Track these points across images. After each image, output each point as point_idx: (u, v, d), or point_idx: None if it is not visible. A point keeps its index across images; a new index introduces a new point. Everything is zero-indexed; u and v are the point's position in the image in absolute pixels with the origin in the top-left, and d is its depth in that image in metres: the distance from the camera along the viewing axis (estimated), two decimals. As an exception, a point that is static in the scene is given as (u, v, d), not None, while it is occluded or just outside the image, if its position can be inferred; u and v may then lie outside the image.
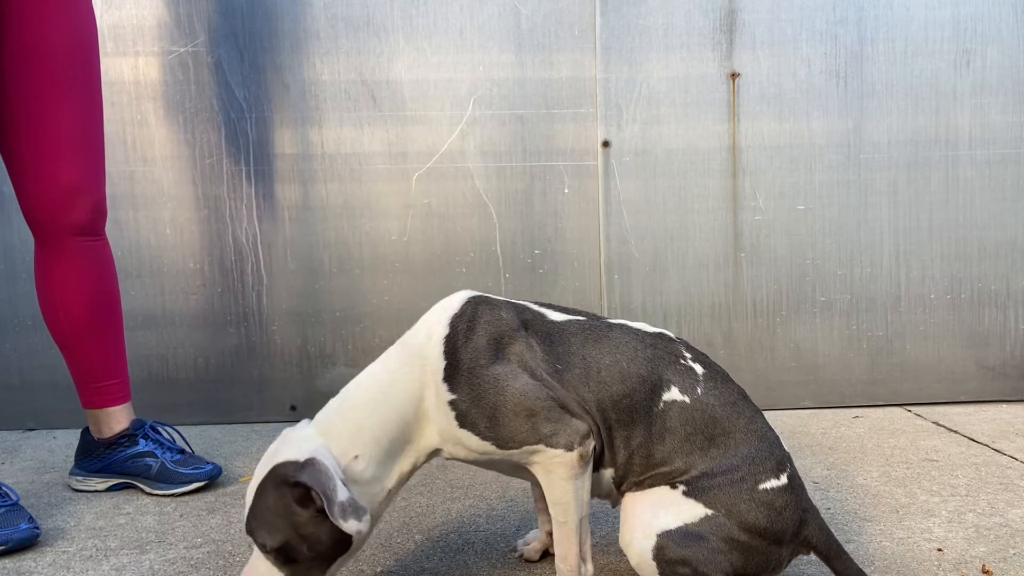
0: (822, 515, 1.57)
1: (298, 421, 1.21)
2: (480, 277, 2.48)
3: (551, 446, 1.13)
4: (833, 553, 1.15)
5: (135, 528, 1.63)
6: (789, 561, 1.15)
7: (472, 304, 1.20)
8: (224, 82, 2.40)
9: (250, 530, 1.08)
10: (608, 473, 1.19)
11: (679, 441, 1.14)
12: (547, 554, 1.42)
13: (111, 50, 2.37)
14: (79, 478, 1.88)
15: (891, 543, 1.45)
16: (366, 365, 1.45)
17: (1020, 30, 2.45)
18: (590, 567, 1.20)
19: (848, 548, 1.43)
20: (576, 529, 1.17)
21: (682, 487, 1.12)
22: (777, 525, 1.10)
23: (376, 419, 1.13)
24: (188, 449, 1.94)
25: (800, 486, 1.15)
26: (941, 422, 2.32)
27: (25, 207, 1.72)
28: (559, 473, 1.14)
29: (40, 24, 1.65)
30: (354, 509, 1.04)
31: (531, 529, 1.56)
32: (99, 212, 1.78)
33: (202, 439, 2.31)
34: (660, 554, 1.09)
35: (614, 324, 1.23)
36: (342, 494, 1.04)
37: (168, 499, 1.80)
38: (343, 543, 1.09)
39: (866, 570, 1.33)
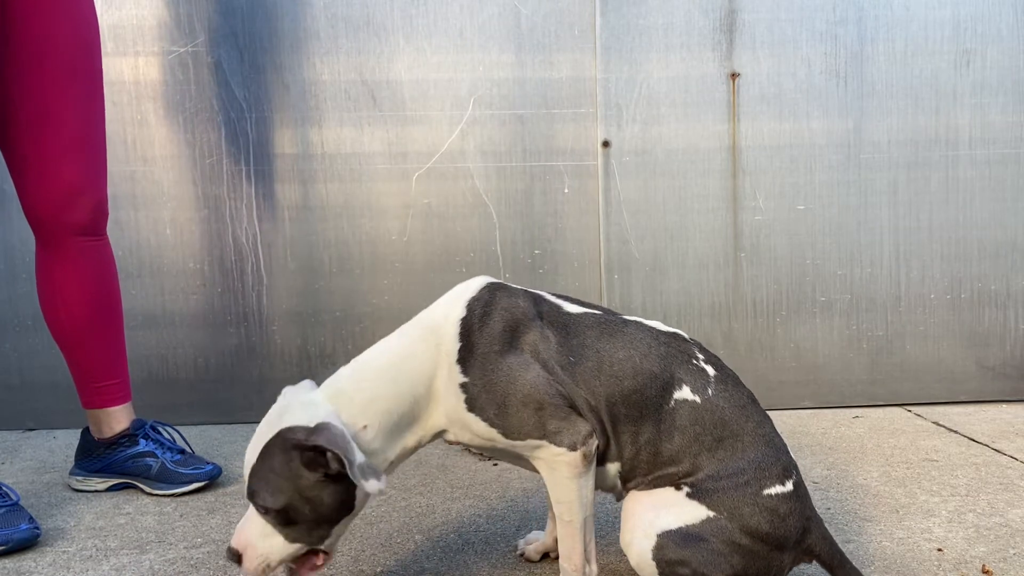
0: (822, 515, 1.57)
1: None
2: (480, 277, 2.48)
3: (555, 443, 1.13)
4: (836, 563, 1.15)
5: (135, 528, 1.63)
6: (790, 568, 1.15)
7: (490, 289, 1.20)
8: (224, 82, 2.40)
9: (251, 491, 1.09)
10: (614, 468, 1.19)
11: (687, 440, 1.14)
12: (546, 556, 1.42)
13: (111, 50, 2.37)
14: (79, 478, 1.88)
15: (891, 543, 1.45)
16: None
17: (1020, 30, 2.45)
18: (594, 567, 1.20)
19: (848, 548, 1.43)
20: (581, 528, 1.17)
21: (686, 488, 1.12)
22: (780, 531, 1.10)
23: (388, 392, 1.14)
24: (188, 449, 1.94)
25: (805, 494, 1.15)
26: (941, 422, 2.32)
27: (27, 206, 1.72)
28: (562, 471, 1.14)
29: (43, 23, 1.65)
30: (372, 470, 1.07)
31: (531, 529, 1.56)
32: (101, 212, 1.78)
33: (202, 439, 2.31)
34: (660, 554, 1.09)
35: (629, 320, 1.23)
36: (359, 456, 1.07)
37: (168, 499, 1.80)
38: (345, 507, 1.12)
39: (866, 570, 1.33)
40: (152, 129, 2.41)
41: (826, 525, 1.50)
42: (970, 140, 2.48)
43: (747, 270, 2.50)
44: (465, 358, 1.15)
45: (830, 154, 2.47)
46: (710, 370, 1.19)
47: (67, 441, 2.33)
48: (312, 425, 1.08)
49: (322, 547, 1.14)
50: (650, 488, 1.16)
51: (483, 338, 1.15)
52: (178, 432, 2.00)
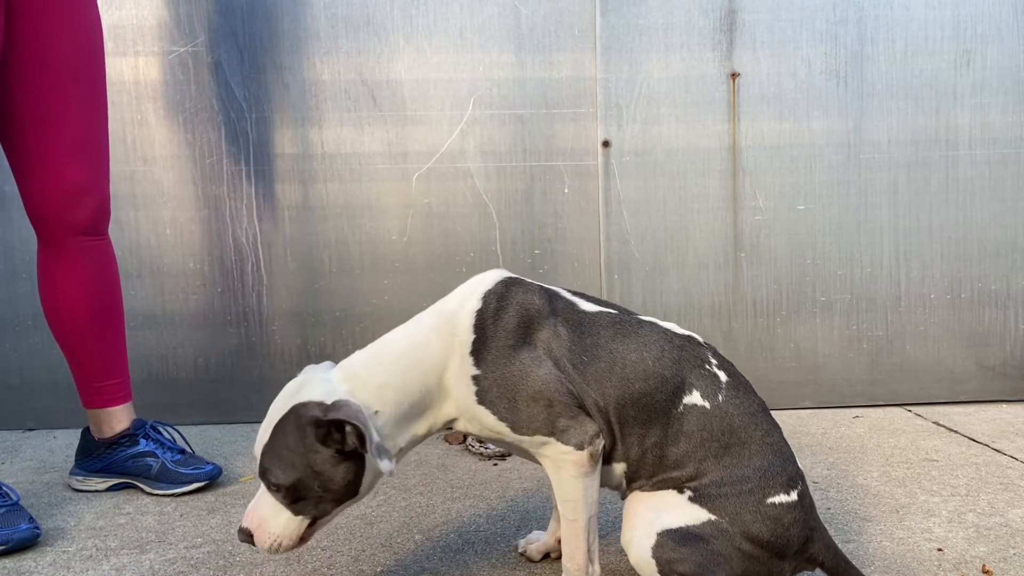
0: (822, 515, 1.57)
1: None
2: (480, 277, 2.48)
3: (562, 441, 1.14)
4: (841, 571, 1.15)
5: (135, 528, 1.63)
6: (791, 575, 1.15)
7: (506, 283, 1.21)
8: (224, 82, 2.40)
9: (263, 468, 1.10)
10: (620, 468, 1.19)
11: (694, 445, 1.14)
12: (547, 556, 1.42)
13: (111, 50, 2.37)
14: (79, 478, 1.88)
15: (891, 543, 1.45)
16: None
17: (1020, 30, 2.45)
18: (597, 567, 1.20)
19: (848, 548, 1.43)
20: (584, 528, 1.17)
21: (689, 492, 1.13)
22: (781, 540, 1.10)
23: (402, 380, 1.15)
24: (188, 449, 1.94)
25: (810, 504, 1.15)
26: (941, 422, 2.32)
27: (29, 206, 1.72)
28: (568, 470, 1.15)
29: (47, 25, 1.65)
30: (385, 450, 1.09)
31: (531, 529, 1.56)
32: (103, 212, 1.78)
33: (202, 439, 2.31)
34: (659, 552, 1.09)
35: (644, 321, 1.23)
36: (375, 435, 1.08)
37: (168, 499, 1.80)
38: (354, 485, 1.12)
39: (866, 571, 1.33)
40: (152, 129, 2.41)
41: (826, 525, 1.50)
42: (970, 140, 2.48)
43: (747, 270, 2.50)
44: (478, 350, 1.15)
45: (830, 154, 2.47)
46: (722, 376, 1.19)
47: (67, 441, 2.33)
48: (329, 402, 1.09)
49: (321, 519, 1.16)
50: (653, 490, 1.16)
51: (497, 332, 1.16)
52: (178, 432, 2.00)
